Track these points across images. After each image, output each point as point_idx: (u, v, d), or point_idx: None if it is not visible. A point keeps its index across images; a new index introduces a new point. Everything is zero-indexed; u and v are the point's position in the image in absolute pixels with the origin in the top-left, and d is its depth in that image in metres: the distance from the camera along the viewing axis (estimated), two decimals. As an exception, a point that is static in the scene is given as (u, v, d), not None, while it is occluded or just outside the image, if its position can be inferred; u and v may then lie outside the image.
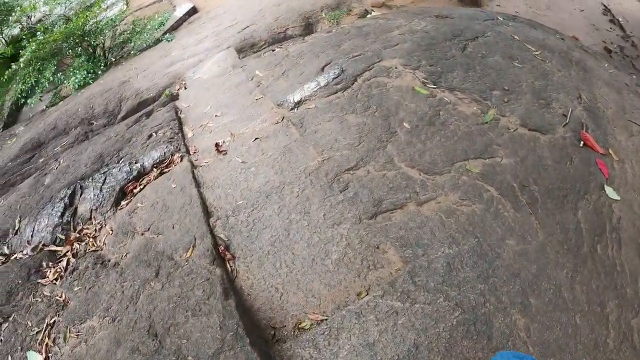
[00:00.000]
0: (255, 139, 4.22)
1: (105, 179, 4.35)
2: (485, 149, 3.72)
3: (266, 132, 4.22)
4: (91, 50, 8.88)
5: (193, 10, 10.38)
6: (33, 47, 8.44)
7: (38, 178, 5.26)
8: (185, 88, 7.26)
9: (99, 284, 3.39)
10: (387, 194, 3.33)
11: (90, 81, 8.64)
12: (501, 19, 5.91)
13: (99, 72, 8.82)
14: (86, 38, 8.82)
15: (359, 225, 3.14)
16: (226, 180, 3.73)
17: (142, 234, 3.65)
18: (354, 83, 4.50)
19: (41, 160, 7.32)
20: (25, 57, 8.54)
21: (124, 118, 7.63)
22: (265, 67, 5.64)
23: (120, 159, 4.63)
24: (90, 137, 7.38)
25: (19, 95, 9.04)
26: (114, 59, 9.01)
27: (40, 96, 8.90)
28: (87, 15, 8.74)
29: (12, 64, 8.82)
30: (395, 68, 4.62)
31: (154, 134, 4.86)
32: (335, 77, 4.58)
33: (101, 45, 8.89)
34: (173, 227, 3.48)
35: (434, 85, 4.34)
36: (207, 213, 3.50)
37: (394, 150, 3.67)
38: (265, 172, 3.67)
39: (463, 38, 5.15)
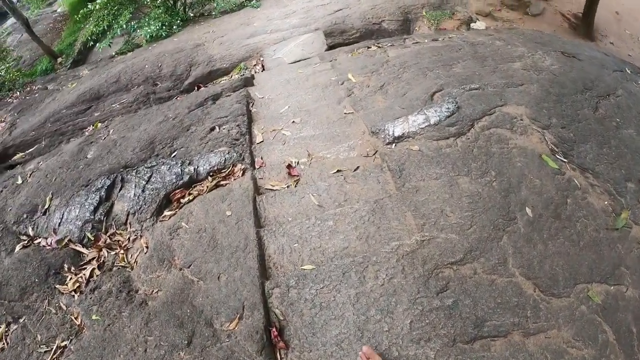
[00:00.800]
0: (338, 171, 3.25)
1: (151, 175, 3.52)
2: (612, 271, 2.64)
3: (353, 166, 3.24)
4: (171, 2, 8.05)
5: None
6: (112, -11, 7.74)
7: (83, 146, 4.52)
8: (262, 68, 6.32)
9: (120, 324, 2.61)
10: (493, 311, 2.33)
11: (163, 34, 7.85)
12: (629, 71, 4.60)
13: (175, 28, 8.01)
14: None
15: (450, 349, 2.17)
16: (295, 227, 2.80)
17: (181, 270, 2.81)
18: (470, 129, 3.43)
19: (96, 114, 6.65)
20: (103, -2, 7.86)
21: (190, 86, 6.82)
22: (359, 70, 4.60)
23: (173, 152, 3.79)
24: (151, 99, 6.63)
25: (89, 37, 8.40)
26: (192, 16, 8.15)
27: (110, 42, 8.22)
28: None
29: (89, 3, 8.13)
30: (521, 120, 3.51)
31: (217, 127, 3.98)
32: (449, 116, 3.51)
33: (182, 2, 8.03)
34: (219, 278, 2.61)
35: (565, 157, 3.22)
36: (264, 271, 2.60)
37: (510, 247, 2.63)
38: (346, 233, 2.71)
39: (595, 93, 3.95)
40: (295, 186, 3.23)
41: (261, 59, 6.69)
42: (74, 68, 8.97)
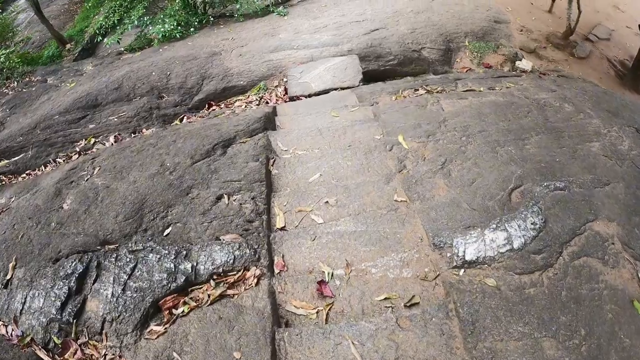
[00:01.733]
0: (386, 299, 2.26)
1: (135, 266, 2.54)
2: None
3: (407, 295, 2.28)
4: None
5: None
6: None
7: (61, 187, 3.55)
8: (285, 92, 5.28)
9: None
10: None
11: (177, 35, 6.77)
12: None
13: (191, 30, 6.93)
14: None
15: None
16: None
17: None
18: (559, 258, 2.45)
19: (91, 126, 5.62)
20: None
21: (201, 103, 5.78)
22: (411, 130, 3.55)
23: (166, 227, 2.80)
24: (154, 116, 5.59)
25: (97, 31, 7.31)
26: (212, 18, 7.04)
27: (119, 38, 7.15)
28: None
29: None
30: (612, 244, 2.56)
31: (225, 196, 2.97)
32: (535, 236, 2.51)
33: None
34: None
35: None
36: None
37: None
38: None
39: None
40: (328, 318, 2.23)
41: (284, 79, 5.62)
42: (79, 61, 7.90)
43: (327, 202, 2.90)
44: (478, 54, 6.44)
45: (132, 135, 5.34)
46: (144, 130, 5.42)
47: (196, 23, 6.97)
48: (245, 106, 5.43)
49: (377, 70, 5.92)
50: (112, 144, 5.27)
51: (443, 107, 3.85)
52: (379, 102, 4.21)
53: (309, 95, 5.20)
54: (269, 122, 3.99)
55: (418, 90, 4.44)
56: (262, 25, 6.65)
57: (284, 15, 6.85)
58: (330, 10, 6.93)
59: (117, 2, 7.47)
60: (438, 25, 6.60)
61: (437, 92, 4.38)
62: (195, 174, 3.21)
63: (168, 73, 5.92)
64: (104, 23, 7.30)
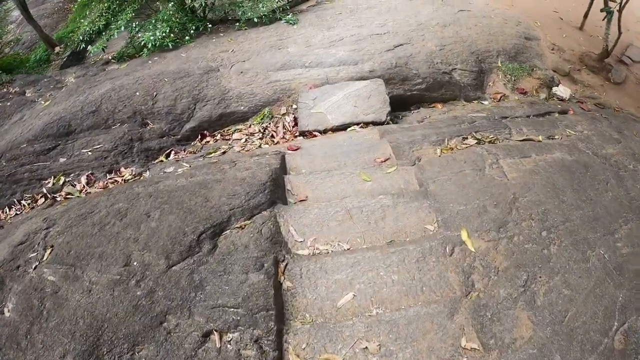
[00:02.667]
0: None
1: None
2: None
3: None
4: (187, 1, 5.62)
5: None
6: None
7: (5, 275, 2.37)
8: (294, 123, 4.04)
9: None
10: None
11: (169, 45, 5.47)
12: None
13: (186, 38, 5.63)
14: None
15: None
16: None
17: None
18: None
19: (62, 160, 4.38)
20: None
21: (192, 132, 4.53)
22: (475, 218, 2.38)
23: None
24: (135, 150, 4.34)
25: (81, 38, 6.01)
26: (210, 25, 5.72)
27: (104, 46, 5.88)
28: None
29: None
30: None
31: (215, 333, 1.74)
32: None
33: (202, 0, 5.60)
34: None
35: None
36: None
37: None
38: None
39: None
40: None
41: (293, 106, 4.36)
42: (64, 70, 6.60)
43: (365, 348, 1.68)
44: (512, 77, 5.33)
45: (107, 177, 4.14)
46: (121, 169, 4.21)
47: (192, 30, 5.66)
48: (246, 140, 4.18)
49: (403, 96, 4.68)
50: (84, 187, 4.09)
51: (505, 172, 2.67)
52: (422, 158, 2.98)
53: (325, 131, 3.96)
54: (276, 188, 2.76)
55: (467, 138, 3.24)
56: (268, 35, 5.33)
57: (294, 23, 5.53)
58: (346, 19, 5.60)
59: (105, 4, 6.13)
60: (468, 41, 5.33)
61: (490, 141, 3.18)
62: (172, 288, 2.01)
63: (154, 93, 4.64)
64: (88, 28, 5.98)
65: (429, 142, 3.24)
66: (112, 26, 6.08)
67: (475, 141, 3.28)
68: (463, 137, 3.32)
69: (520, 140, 3.42)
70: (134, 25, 5.95)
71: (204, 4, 6.15)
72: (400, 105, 4.62)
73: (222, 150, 4.16)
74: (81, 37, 6.19)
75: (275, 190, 2.78)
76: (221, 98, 4.60)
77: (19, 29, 10.78)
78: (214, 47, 5.39)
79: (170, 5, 5.84)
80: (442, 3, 6.34)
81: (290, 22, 5.62)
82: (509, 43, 5.72)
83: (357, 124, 4.04)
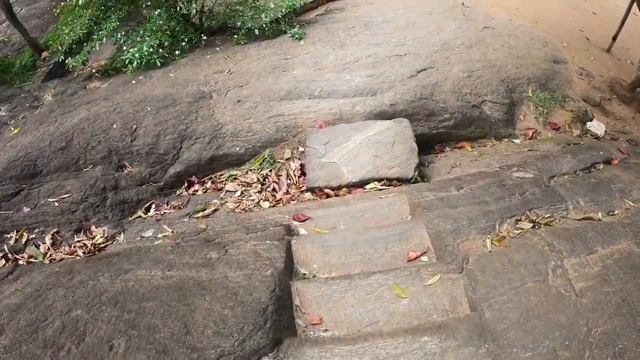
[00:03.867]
0: None
1: None
2: None
3: None
4: (182, 5, 4.48)
5: None
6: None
7: None
8: (301, 173, 3.04)
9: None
10: None
11: (158, 62, 4.38)
12: None
13: (177, 52, 4.52)
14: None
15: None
16: None
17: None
18: None
19: (26, 210, 3.41)
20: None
21: (177, 178, 3.53)
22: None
23: None
24: (108, 202, 3.35)
25: (60, 48, 4.95)
26: (205, 38, 4.60)
27: (84, 59, 4.77)
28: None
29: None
30: None
31: None
32: None
33: (197, 6, 4.48)
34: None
35: None
36: None
37: None
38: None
39: None
40: None
41: (300, 149, 3.35)
42: (45, 82, 5.50)
43: None
44: (543, 110, 4.43)
45: (75, 238, 3.17)
46: (92, 227, 3.22)
47: (184, 42, 4.57)
48: (242, 193, 3.19)
49: (427, 135, 3.69)
50: (48, 249, 3.18)
51: (572, 281, 1.98)
52: (470, 257, 2.05)
53: (339, 187, 2.90)
54: (280, 312, 1.82)
55: (520, 220, 2.27)
56: (271, 53, 4.23)
57: (300, 38, 4.42)
58: (360, 34, 4.48)
59: (88, 11, 4.99)
60: (497, 66, 4.31)
61: (546, 223, 2.21)
62: None
63: (134, 127, 3.62)
64: (67, 37, 4.87)
65: (477, 229, 2.29)
66: (94, 35, 4.95)
67: (531, 225, 2.34)
68: (516, 219, 2.35)
69: (579, 220, 2.47)
70: (118, 36, 4.85)
71: (198, 11, 5.01)
72: (423, 145, 3.58)
73: (213, 208, 3.16)
74: (60, 47, 5.07)
75: (280, 318, 1.83)
76: (213, 135, 3.55)
77: (9, 30, 9.56)
78: (207, 66, 4.29)
79: (158, 13, 4.69)
80: (465, 18, 5.20)
81: (297, 36, 4.50)
82: (539, 68, 4.76)
83: (379, 180, 3.01)
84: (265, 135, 3.52)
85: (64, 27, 5.30)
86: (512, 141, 4.17)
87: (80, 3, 4.88)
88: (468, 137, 4.02)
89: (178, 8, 4.56)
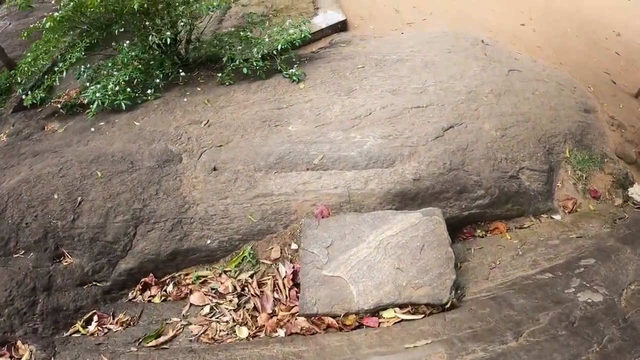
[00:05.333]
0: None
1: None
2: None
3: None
4: (166, 36, 3.32)
5: (342, 26, 4.52)
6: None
7: None
8: (293, 294, 2.05)
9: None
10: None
11: (124, 105, 3.25)
12: None
13: (149, 93, 3.38)
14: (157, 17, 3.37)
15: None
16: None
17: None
18: None
19: None
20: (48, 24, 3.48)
21: (129, 276, 2.43)
22: None
23: None
24: (38, 309, 2.26)
25: (19, 80, 3.80)
26: (183, 74, 3.44)
27: (43, 96, 3.64)
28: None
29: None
30: None
31: None
32: None
33: (183, 32, 3.35)
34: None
35: None
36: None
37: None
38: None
39: None
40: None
41: (292, 246, 2.22)
42: (15, 112, 4.34)
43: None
44: (582, 174, 3.50)
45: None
46: (18, 343, 2.10)
47: (159, 79, 3.42)
48: (211, 310, 2.12)
49: (458, 217, 2.51)
50: None
51: None
52: None
53: (346, 315, 1.76)
54: None
55: None
56: (262, 99, 3.13)
57: (299, 80, 3.31)
58: (372, 77, 3.39)
59: (55, 36, 3.85)
60: (531, 120, 3.38)
61: None
62: None
63: (79, 199, 2.54)
64: (27, 68, 3.74)
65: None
66: (55, 68, 3.82)
67: None
68: None
69: None
70: (82, 70, 3.72)
71: (187, 43, 3.88)
72: (450, 230, 2.50)
73: (171, 334, 2.06)
74: (19, 79, 3.92)
75: None
76: (177, 220, 2.44)
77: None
78: (182, 113, 3.17)
79: (128, 44, 3.58)
80: (487, 58, 4.14)
81: (295, 78, 3.38)
82: (573, 120, 3.78)
83: (401, 306, 1.88)
84: (246, 224, 2.41)
85: (29, 55, 4.14)
86: (552, 217, 3.17)
87: (47, 26, 3.73)
88: (503, 216, 2.96)
89: (150, 38, 3.42)
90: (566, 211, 3.19)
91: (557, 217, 3.12)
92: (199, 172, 2.71)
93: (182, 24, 3.40)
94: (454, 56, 4.12)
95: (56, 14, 3.62)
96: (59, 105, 4.19)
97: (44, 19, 3.64)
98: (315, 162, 2.64)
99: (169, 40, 3.36)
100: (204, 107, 3.25)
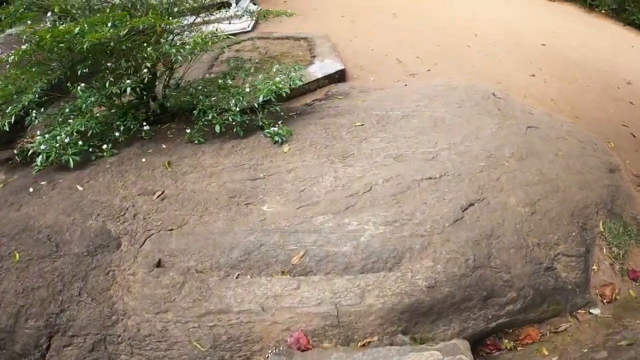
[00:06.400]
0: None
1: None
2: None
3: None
4: (108, 82, 2.58)
5: (340, 76, 3.85)
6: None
7: None
8: None
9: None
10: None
11: (72, 161, 2.53)
12: None
13: (104, 147, 2.57)
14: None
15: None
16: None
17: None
18: None
19: None
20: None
21: None
22: None
23: None
24: None
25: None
26: (147, 128, 2.66)
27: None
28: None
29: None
30: None
31: None
32: None
33: (132, 84, 2.56)
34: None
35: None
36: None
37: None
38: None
39: None
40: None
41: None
42: None
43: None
44: (619, 251, 2.75)
45: None
46: None
47: (119, 132, 2.68)
48: None
49: (482, 331, 1.60)
50: None
51: None
52: None
53: None
54: None
55: None
56: (234, 165, 2.37)
57: (283, 141, 2.56)
58: (372, 138, 2.70)
59: (16, 72, 3.15)
60: (560, 189, 2.71)
61: None
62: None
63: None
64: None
65: None
66: (7, 111, 3.09)
67: None
68: None
69: None
70: (34, 115, 2.98)
71: (166, 84, 3.18)
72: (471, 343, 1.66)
73: None
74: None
75: None
76: (101, 336, 1.66)
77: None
78: (134, 178, 2.43)
79: (82, 88, 2.87)
80: (501, 114, 3.50)
81: (277, 138, 2.65)
82: (601, 185, 3.09)
83: None
84: (190, 354, 1.60)
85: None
86: (591, 312, 2.43)
87: (10, 60, 3.06)
88: (537, 320, 2.14)
89: (107, 84, 2.70)
90: (605, 300, 2.45)
91: (596, 311, 2.36)
92: (139, 266, 1.91)
93: (145, 70, 2.68)
94: (466, 112, 3.43)
95: (23, 46, 2.96)
96: (15, 151, 3.45)
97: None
98: (293, 262, 1.84)
99: (128, 90, 2.65)
100: (162, 171, 2.49)
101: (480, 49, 5.02)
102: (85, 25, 2.69)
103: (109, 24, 2.68)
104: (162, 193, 2.30)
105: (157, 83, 3.33)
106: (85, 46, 2.48)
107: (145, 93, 3.22)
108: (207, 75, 4.19)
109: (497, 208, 2.41)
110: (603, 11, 7.92)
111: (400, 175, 2.40)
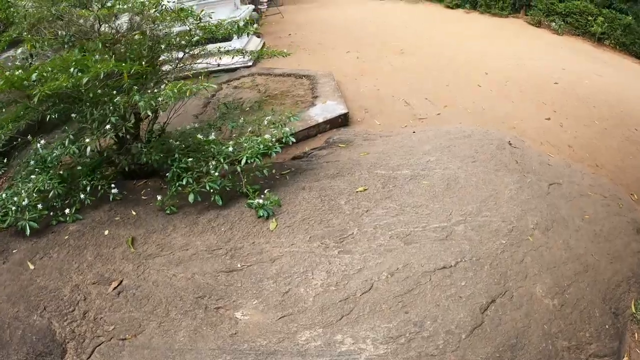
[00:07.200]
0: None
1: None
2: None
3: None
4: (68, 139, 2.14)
5: (343, 120, 3.39)
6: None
7: None
8: None
9: None
10: None
11: (28, 228, 2.02)
12: None
13: (67, 211, 2.09)
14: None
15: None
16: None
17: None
18: None
19: None
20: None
21: None
22: None
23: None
24: None
25: None
26: (114, 191, 2.16)
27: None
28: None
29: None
30: None
31: None
32: None
33: (94, 144, 2.15)
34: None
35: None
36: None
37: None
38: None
39: None
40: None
41: None
42: None
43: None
44: None
45: None
46: None
47: (85, 194, 2.23)
48: None
49: None
50: None
51: None
52: None
53: None
54: None
55: None
56: (208, 248, 1.88)
57: (267, 216, 2.08)
58: (376, 209, 2.20)
59: None
60: (590, 267, 2.34)
61: None
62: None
63: None
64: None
65: None
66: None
67: None
68: None
69: None
70: (-6, 169, 2.56)
71: (150, 131, 2.75)
72: None
73: None
74: None
75: None
76: None
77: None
78: (92, 259, 1.96)
79: (42, 145, 2.44)
80: (520, 169, 3.06)
81: (262, 212, 2.15)
82: (631, 252, 2.60)
83: None
84: None
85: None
86: None
87: None
88: None
89: (67, 141, 2.27)
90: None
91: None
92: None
93: (108, 126, 2.24)
94: (481, 168, 2.95)
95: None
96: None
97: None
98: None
99: (88, 151, 2.21)
100: (124, 252, 2.02)
101: (491, 89, 4.57)
102: (49, 68, 2.28)
103: (72, 70, 2.27)
104: (120, 284, 1.83)
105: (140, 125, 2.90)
106: (36, 99, 2.06)
107: (128, 137, 2.78)
108: (200, 113, 3.78)
109: (522, 303, 1.92)
110: (611, 45, 7.50)
111: (408, 265, 1.91)
